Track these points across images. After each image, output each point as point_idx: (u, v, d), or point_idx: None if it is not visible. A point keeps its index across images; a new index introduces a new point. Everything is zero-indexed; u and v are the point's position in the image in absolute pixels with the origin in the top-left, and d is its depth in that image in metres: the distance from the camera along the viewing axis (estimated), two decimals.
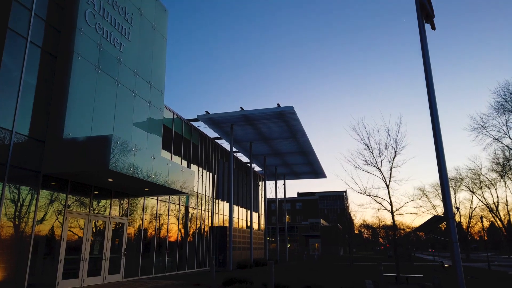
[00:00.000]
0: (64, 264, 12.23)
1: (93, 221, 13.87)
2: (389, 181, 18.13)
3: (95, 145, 11.91)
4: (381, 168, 18.58)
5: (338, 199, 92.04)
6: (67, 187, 12.64)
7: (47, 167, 11.50)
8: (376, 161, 18.80)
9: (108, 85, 14.02)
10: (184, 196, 22.14)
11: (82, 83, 12.68)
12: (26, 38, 11.31)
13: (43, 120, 11.79)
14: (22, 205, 10.89)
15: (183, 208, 22.24)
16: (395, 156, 18.49)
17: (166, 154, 20.02)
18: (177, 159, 21.65)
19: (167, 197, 20.04)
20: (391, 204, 17.94)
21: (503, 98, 32.18)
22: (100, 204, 14.36)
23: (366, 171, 19.38)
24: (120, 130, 14.26)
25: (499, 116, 33.60)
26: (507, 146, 34.15)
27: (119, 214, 15.49)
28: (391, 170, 18.31)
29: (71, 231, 12.78)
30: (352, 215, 58.72)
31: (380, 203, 19.18)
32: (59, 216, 12.24)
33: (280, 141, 30.28)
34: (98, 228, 14.17)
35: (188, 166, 23.11)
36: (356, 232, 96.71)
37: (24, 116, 11.12)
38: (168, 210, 20.31)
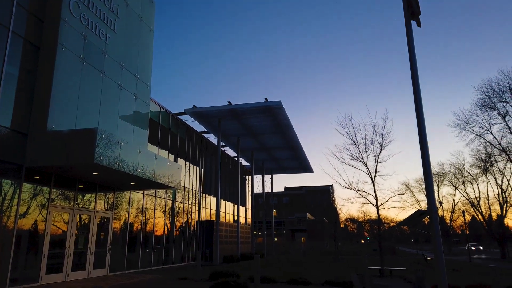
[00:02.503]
0: (48, 259, 12.06)
1: (78, 215, 13.69)
2: (375, 176, 18.39)
3: (80, 138, 11.71)
4: (367, 163, 18.83)
5: (325, 193, 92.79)
6: (51, 180, 12.43)
7: (30, 160, 11.27)
8: (362, 156, 19.03)
9: (93, 77, 13.78)
10: (171, 190, 22.02)
11: (66, 74, 12.43)
12: (8, 28, 11.00)
13: (26, 112, 11.53)
14: (4, 199, 10.66)
15: (169, 202, 22.12)
16: (380, 151, 18.76)
17: (152, 148, 19.85)
18: (163, 153, 21.49)
19: (154, 191, 19.90)
20: (376, 199, 18.21)
21: (486, 95, 32.79)
22: (85, 198, 14.17)
23: (352, 166, 19.62)
24: (105, 123, 14.05)
25: (482, 113, 34.24)
26: (489, 142, 34.89)
27: (105, 208, 15.32)
28: (376, 165, 18.57)
29: (55, 225, 12.59)
30: (338, 209, 59.39)
31: (365, 198, 19.45)
32: (42, 210, 12.03)
33: (267, 135, 30.31)
34: (83, 222, 14.00)
35: (175, 160, 22.96)
36: (342, 226, 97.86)
37: (6, 108, 10.85)
38: (155, 204, 20.18)
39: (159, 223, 20.74)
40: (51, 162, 11.38)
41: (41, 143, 11.37)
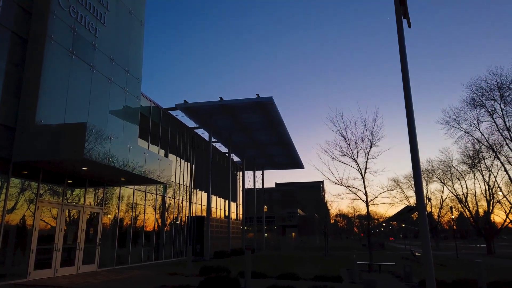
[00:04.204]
0: (36, 254, 11.94)
1: (67, 210, 13.56)
2: (365, 172, 18.56)
3: (69, 133, 11.57)
4: (357, 159, 19.00)
5: (315, 189, 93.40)
6: (39, 175, 12.28)
7: (18, 155, 11.11)
8: (352, 153, 19.20)
9: (83, 71, 13.60)
10: (161, 186, 21.92)
11: (55, 68, 12.25)
12: None
13: (14, 106, 11.34)
14: None
15: (160, 198, 22.03)
16: (371, 147, 18.94)
17: (143, 143, 19.71)
18: (154, 148, 21.35)
19: (144, 186, 19.79)
20: (366, 195, 18.39)
21: (475, 93, 33.22)
22: (74, 193, 14.03)
23: (342, 162, 19.79)
24: (95, 118, 13.90)
25: (470, 110, 34.72)
26: (477, 140, 35.41)
27: (94, 204, 15.20)
28: (366, 162, 18.74)
29: (44, 221, 12.46)
30: (328, 205, 59.85)
31: (355, 194, 19.69)
32: (30, 205, 11.89)
33: (259, 132, 30.32)
34: (72, 218, 13.87)
35: (166, 156, 22.85)
36: (332, 221, 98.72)
37: None
38: (145, 200, 20.08)
39: (150, 219, 20.66)
40: (39, 157, 11.23)
41: (29, 137, 11.21)
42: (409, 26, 7.45)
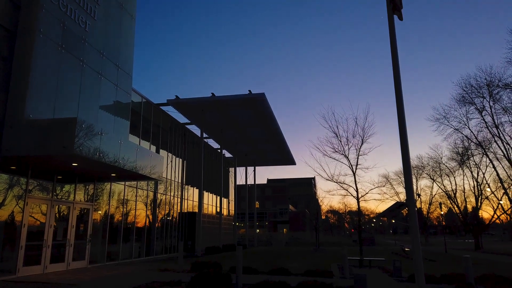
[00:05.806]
0: (26, 251, 11.82)
1: (56, 206, 13.43)
2: (356, 169, 18.72)
3: (58, 128, 11.42)
4: (348, 155, 19.15)
5: (307, 185, 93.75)
6: (28, 171, 12.12)
7: (6, 149, 10.93)
8: (344, 149, 19.34)
9: (73, 65, 13.42)
10: (153, 182, 21.82)
11: (44, 62, 12.05)
12: None
13: (2, 101, 11.15)
14: None
15: (151, 194, 21.93)
16: (362, 144, 19.10)
17: (134, 139, 19.57)
18: (145, 144, 21.22)
19: (135, 182, 19.67)
20: (357, 191, 18.55)
21: (464, 90, 33.61)
22: (64, 189, 13.90)
23: (334, 159, 19.95)
24: (85, 113, 13.74)
25: (460, 108, 35.18)
26: (466, 137, 35.86)
27: (84, 200, 15.07)
28: (357, 158, 18.90)
29: (33, 217, 12.32)
30: (319, 201, 60.21)
31: (346, 190, 19.85)
32: (19, 201, 11.75)
33: (251, 128, 30.27)
34: (62, 214, 13.74)
35: (157, 152, 22.73)
36: (323, 217, 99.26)
37: None
38: (136, 196, 19.97)
39: (141, 215, 20.56)
40: (28, 152, 11.06)
41: (18, 132, 11.04)
42: (400, 19, 7.47)
